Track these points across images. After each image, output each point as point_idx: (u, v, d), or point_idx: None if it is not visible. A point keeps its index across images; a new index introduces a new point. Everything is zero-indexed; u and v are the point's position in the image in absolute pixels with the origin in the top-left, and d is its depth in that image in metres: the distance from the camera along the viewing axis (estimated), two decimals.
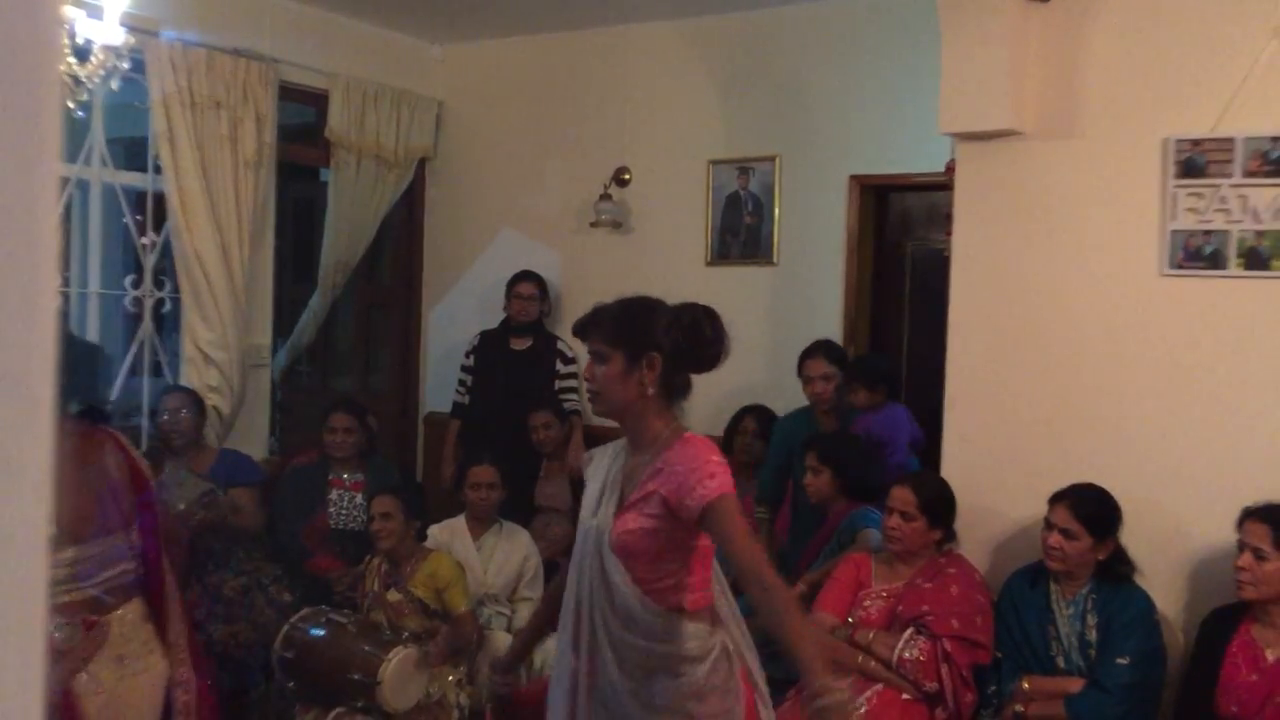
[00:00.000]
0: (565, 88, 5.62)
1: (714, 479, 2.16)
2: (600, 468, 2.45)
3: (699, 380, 5.40)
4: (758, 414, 4.71)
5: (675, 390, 2.32)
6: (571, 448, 5.08)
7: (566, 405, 5.22)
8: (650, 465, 2.26)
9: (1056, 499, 3.23)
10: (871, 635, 3.29)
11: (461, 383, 5.41)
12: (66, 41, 3.45)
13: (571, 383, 5.35)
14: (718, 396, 5.05)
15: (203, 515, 3.89)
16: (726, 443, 4.76)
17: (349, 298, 6.05)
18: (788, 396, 4.89)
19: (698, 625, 2.27)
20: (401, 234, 6.08)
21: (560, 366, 5.34)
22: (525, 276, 5.35)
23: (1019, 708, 3.14)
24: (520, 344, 5.34)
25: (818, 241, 4.95)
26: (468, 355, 5.42)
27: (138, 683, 2.51)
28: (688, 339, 2.27)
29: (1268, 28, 3.17)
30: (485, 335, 5.40)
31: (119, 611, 2.50)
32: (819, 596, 3.47)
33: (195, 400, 4.44)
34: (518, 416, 5.03)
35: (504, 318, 5.38)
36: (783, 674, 3.60)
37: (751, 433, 4.66)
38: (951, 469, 3.58)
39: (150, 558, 2.58)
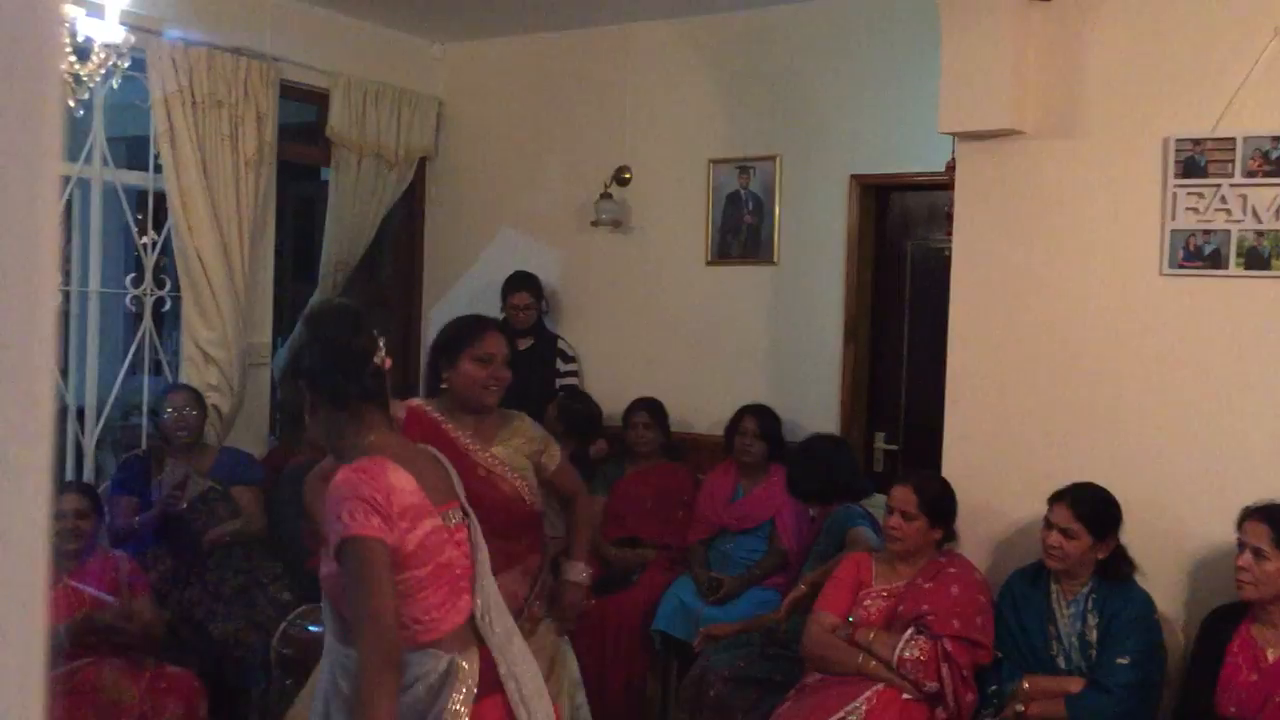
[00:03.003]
0: (566, 87, 5.61)
1: (339, 520, 1.93)
2: None
3: (698, 379, 5.42)
4: (757, 414, 4.69)
5: (338, 398, 2.09)
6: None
7: None
8: None
9: (1056, 498, 3.23)
10: (872, 635, 3.29)
11: None
12: (67, 40, 3.45)
13: (572, 381, 5.35)
14: (716, 396, 5.05)
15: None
16: (726, 443, 4.75)
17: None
18: (787, 396, 4.89)
19: (421, 653, 2.04)
20: (402, 233, 6.07)
21: (561, 365, 5.34)
22: (518, 286, 5.31)
23: (1019, 707, 3.14)
24: (522, 344, 5.33)
25: (818, 241, 4.95)
26: None
27: None
28: (315, 352, 2.12)
29: (1268, 27, 3.17)
30: None
31: None
32: (820, 596, 3.46)
33: (199, 399, 4.45)
34: None
35: (503, 318, 5.38)
36: (781, 675, 3.61)
37: (751, 433, 4.64)
38: (952, 468, 3.57)
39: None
